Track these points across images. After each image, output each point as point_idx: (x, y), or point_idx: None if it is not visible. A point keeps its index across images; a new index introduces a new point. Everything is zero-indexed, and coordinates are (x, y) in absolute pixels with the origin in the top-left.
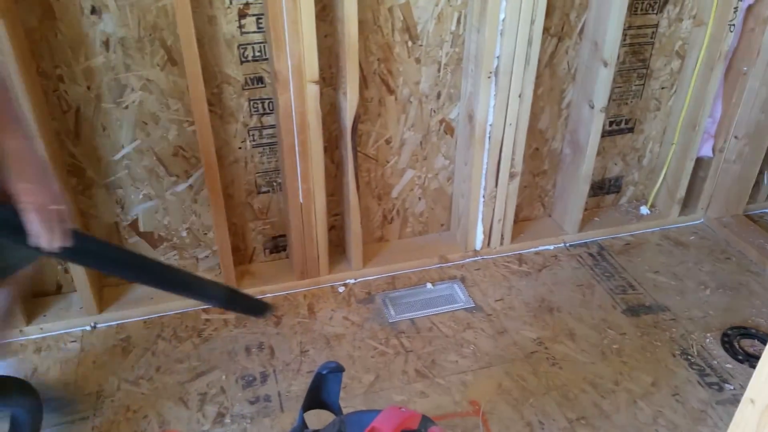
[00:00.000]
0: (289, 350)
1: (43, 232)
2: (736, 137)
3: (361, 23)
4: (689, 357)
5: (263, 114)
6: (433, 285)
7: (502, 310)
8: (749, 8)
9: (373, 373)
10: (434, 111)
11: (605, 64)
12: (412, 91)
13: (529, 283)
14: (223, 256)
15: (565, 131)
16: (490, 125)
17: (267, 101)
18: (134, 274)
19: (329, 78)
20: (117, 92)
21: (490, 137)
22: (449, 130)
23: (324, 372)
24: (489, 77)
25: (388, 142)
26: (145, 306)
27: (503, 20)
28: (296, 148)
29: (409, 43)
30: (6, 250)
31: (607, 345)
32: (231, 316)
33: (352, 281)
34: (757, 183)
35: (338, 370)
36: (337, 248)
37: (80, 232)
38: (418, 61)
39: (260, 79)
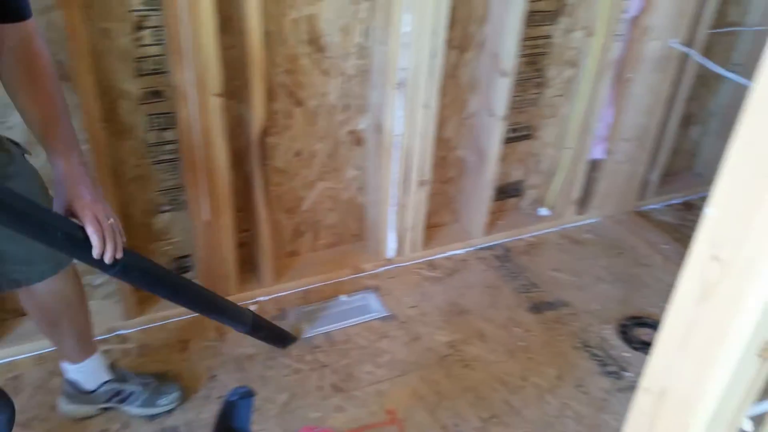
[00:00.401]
0: (197, 377)
1: (105, 244)
2: (624, 139)
3: (266, 35)
4: (590, 349)
5: (163, 129)
6: (347, 296)
7: (415, 317)
8: (633, 19)
9: (287, 392)
10: (343, 122)
11: (504, 74)
12: (320, 102)
13: (440, 288)
14: (121, 282)
15: (469, 139)
16: (399, 135)
17: (167, 116)
18: (173, 293)
19: (234, 90)
20: (0, 112)
21: (398, 147)
22: (359, 140)
23: (233, 399)
24: (395, 88)
25: (297, 154)
26: (36, 341)
27: (407, 33)
28: (200, 164)
29: (315, 55)
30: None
31: (515, 343)
32: (131, 345)
33: (264, 298)
34: (645, 182)
35: (248, 395)
36: (247, 265)
37: (128, 248)
38: (325, 72)
39: (159, 93)
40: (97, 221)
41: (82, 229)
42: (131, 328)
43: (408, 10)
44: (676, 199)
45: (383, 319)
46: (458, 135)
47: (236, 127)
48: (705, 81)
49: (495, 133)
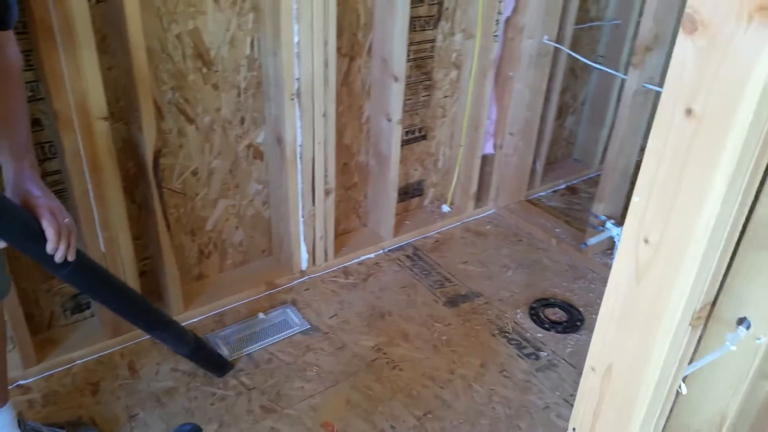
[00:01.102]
0: (115, 418)
1: (59, 239)
2: (510, 134)
3: (149, 52)
4: (506, 334)
5: (45, 159)
6: (264, 314)
7: (337, 326)
8: (508, 20)
9: (215, 422)
10: (240, 137)
11: (396, 79)
12: (214, 118)
13: (358, 294)
14: (16, 327)
15: (368, 144)
16: (300, 146)
17: (48, 145)
18: (120, 303)
19: (121, 113)
20: None
21: (301, 157)
22: (258, 154)
23: None
24: (292, 99)
25: (194, 173)
26: None
27: (298, 43)
28: (90, 193)
29: (204, 70)
30: None
31: (437, 338)
32: (36, 395)
33: None
34: (532, 171)
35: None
36: (153, 294)
37: (80, 250)
38: (215, 87)
39: (37, 122)
40: (54, 217)
41: (39, 222)
42: (32, 376)
43: (296, 19)
44: (560, 185)
45: (305, 332)
46: (357, 141)
47: (127, 150)
48: (574, 73)
49: (393, 136)
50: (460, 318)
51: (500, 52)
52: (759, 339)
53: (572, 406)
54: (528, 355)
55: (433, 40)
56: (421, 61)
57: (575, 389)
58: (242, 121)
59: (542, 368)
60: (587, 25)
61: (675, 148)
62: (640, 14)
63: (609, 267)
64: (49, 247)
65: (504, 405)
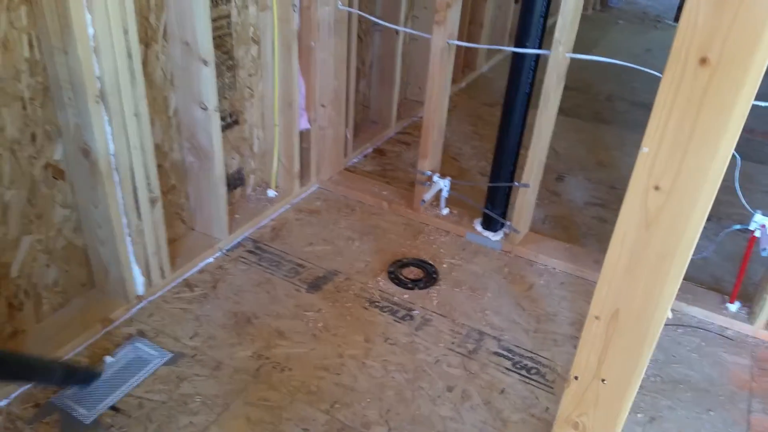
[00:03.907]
0: None
1: None
2: (322, 105)
3: None
4: (376, 303)
5: None
6: (112, 356)
7: (203, 345)
8: None
9: None
10: (33, 157)
11: (205, 63)
12: None
13: (212, 305)
14: None
15: (181, 139)
16: (114, 155)
17: None
18: None
19: None
20: None
21: (117, 168)
22: (59, 173)
23: None
24: (97, 102)
25: None
26: None
27: (94, 35)
28: None
29: None
30: None
31: (314, 327)
32: None
33: (4, 403)
34: (345, 140)
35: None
36: None
37: None
38: None
39: None
40: None
41: None
42: None
43: (88, 8)
44: (368, 150)
45: (169, 362)
46: (168, 138)
47: None
48: (359, 37)
49: (212, 126)
50: (328, 300)
51: (300, 23)
52: None
53: (457, 353)
54: (403, 318)
55: (228, 16)
56: (219, 39)
57: (453, 337)
58: (33, 138)
59: (419, 326)
60: None
61: (688, 96)
62: None
63: (440, 217)
64: None
65: (400, 371)
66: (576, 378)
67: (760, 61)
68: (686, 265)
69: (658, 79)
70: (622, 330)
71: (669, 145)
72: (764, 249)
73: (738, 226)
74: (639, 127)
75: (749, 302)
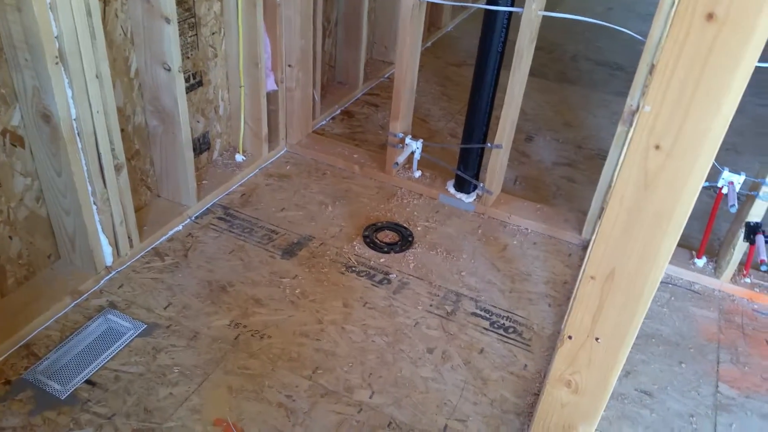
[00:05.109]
0: None
1: None
2: (290, 65)
3: None
4: (353, 268)
5: None
6: (83, 329)
7: (178, 315)
8: None
9: None
10: None
11: (167, 21)
12: None
13: (185, 274)
14: None
15: (143, 102)
16: (76, 119)
17: None
18: None
19: None
20: None
21: (80, 133)
22: (17, 140)
23: None
24: (57, 63)
25: None
26: None
27: None
28: None
29: None
30: None
31: (291, 293)
32: None
33: None
34: (313, 102)
35: None
36: None
37: None
38: None
39: None
40: None
41: None
42: None
43: None
44: (336, 111)
45: (143, 333)
46: (130, 100)
47: None
48: None
49: (177, 87)
50: (304, 266)
51: None
52: None
53: (435, 315)
54: (380, 282)
55: None
56: None
57: (431, 299)
58: None
59: (397, 290)
60: None
61: (693, 53)
62: None
63: (412, 180)
64: None
65: (380, 335)
66: (570, 337)
67: (767, 18)
68: (683, 225)
69: (621, 39)
70: (617, 289)
71: (671, 104)
72: (732, 205)
73: (706, 184)
74: (603, 86)
75: (715, 257)
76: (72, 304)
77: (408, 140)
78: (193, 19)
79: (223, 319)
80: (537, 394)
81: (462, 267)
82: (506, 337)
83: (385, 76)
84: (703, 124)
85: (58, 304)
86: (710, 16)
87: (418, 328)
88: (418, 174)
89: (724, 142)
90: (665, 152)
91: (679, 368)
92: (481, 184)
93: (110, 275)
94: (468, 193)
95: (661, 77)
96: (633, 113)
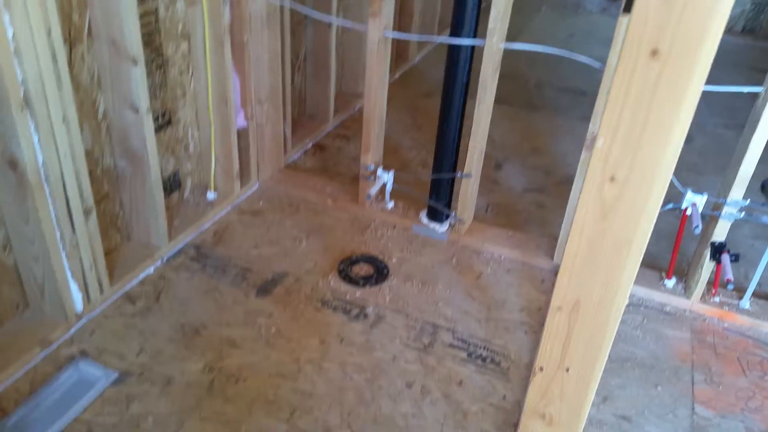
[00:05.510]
0: None
1: None
2: (259, 102)
3: None
4: (329, 303)
5: None
6: (54, 380)
7: (150, 361)
8: None
9: None
10: None
11: (134, 62)
12: None
13: (157, 318)
14: None
15: (112, 144)
16: (43, 165)
17: None
18: None
19: None
20: None
21: (47, 179)
22: None
23: None
24: (22, 110)
25: None
26: None
27: (13, 37)
28: None
29: None
30: None
31: (266, 333)
32: None
33: None
34: (284, 137)
35: None
36: None
37: None
38: None
39: None
40: None
41: None
42: None
43: (5, 7)
44: (308, 145)
45: (116, 382)
46: (99, 143)
47: None
48: (291, 30)
49: (145, 128)
50: (279, 304)
51: (231, 17)
52: None
53: (413, 348)
54: (357, 317)
55: (155, 11)
56: (147, 37)
57: (408, 333)
58: None
59: (374, 324)
60: None
61: (641, 87)
62: None
63: (385, 211)
64: None
65: (358, 371)
66: (541, 369)
67: (707, 52)
68: (643, 252)
69: (583, 66)
70: (583, 319)
71: (623, 136)
72: (696, 227)
73: (671, 205)
74: (568, 111)
75: (684, 277)
76: (42, 355)
77: (380, 172)
78: (160, 59)
79: (197, 364)
80: (516, 425)
81: (438, 297)
82: (484, 367)
83: (356, 108)
84: (655, 155)
85: (27, 355)
86: (654, 53)
87: (396, 362)
88: (390, 205)
89: (687, 163)
90: (620, 183)
91: (656, 391)
92: (453, 213)
93: (81, 322)
94: (441, 222)
95: (612, 112)
96: (595, 139)
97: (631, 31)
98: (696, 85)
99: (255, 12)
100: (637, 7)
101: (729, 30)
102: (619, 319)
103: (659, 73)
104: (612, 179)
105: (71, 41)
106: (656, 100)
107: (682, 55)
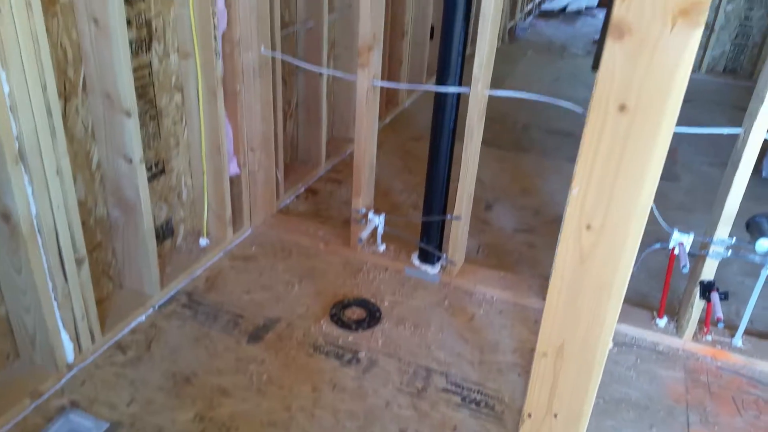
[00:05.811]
0: None
1: None
2: (252, 149)
3: None
4: (321, 349)
5: None
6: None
7: (141, 411)
8: (224, 35)
9: None
10: None
11: (128, 115)
12: None
13: (147, 367)
14: None
15: (105, 194)
16: (36, 216)
17: None
18: None
19: None
20: None
21: (40, 230)
22: None
23: None
24: (17, 163)
25: None
26: None
27: (9, 94)
28: None
29: None
30: None
31: (258, 380)
32: None
33: None
34: (276, 182)
35: None
36: None
37: None
38: None
39: None
40: None
41: None
42: None
43: (1, 64)
44: (301, 190)
45: None
46: (92, 193)
47: None
48: (283, 79)
49: (138, 179)
50: (271, 350)
51: (224, 69)
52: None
53: (406, 393)
54: (349, 362)
55: (149, 65)
56: (141, 89)
57: (401, 377)
58: None
59: (367, 369)
60: (289, 30)
61: (611, 140)
62: (330, 13)
63: (377, 254)
64: None
65: (351, 419)
66: (530, 416)
67: (673, 105)
68: (623, 295)
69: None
70: (569, 363)
71: (596, 186)
72: (684, 266)
73: (659, 245)
74: (555, 152)
75: (676, 316)
76: (32, 406)
77: (371, 215)
78: (154, 111)
79: (188, 413)
80: None
81: (431, 340)
82: (478, 411)
83: (347, 152)
84: (629, 203)
85: (17, 407)
86: (623, 107)
87: (389, 408)
88: (382, 248)
89: (675, 202)
90: (596, 231)
91: None
92: (444, 255)
93: (71, 372)
94: (432, 264)
95: (585, 162)
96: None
97: (599, 88)
98: (664, 135)
99: (247, 64)
100: (604, 64)
101: (711, 70)
102: (604, 362)
103: (628, 126)
104: (588, 227)
105: (66, 95)
106: (627, 151)
107: (649, 109)
